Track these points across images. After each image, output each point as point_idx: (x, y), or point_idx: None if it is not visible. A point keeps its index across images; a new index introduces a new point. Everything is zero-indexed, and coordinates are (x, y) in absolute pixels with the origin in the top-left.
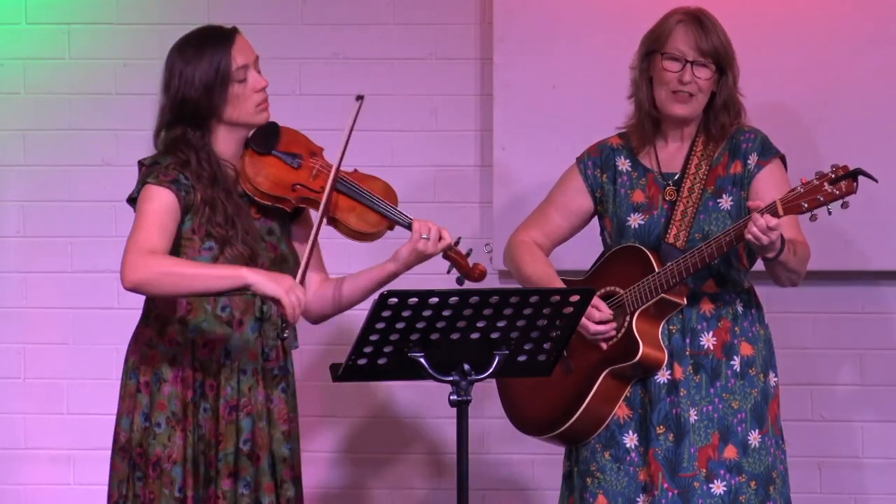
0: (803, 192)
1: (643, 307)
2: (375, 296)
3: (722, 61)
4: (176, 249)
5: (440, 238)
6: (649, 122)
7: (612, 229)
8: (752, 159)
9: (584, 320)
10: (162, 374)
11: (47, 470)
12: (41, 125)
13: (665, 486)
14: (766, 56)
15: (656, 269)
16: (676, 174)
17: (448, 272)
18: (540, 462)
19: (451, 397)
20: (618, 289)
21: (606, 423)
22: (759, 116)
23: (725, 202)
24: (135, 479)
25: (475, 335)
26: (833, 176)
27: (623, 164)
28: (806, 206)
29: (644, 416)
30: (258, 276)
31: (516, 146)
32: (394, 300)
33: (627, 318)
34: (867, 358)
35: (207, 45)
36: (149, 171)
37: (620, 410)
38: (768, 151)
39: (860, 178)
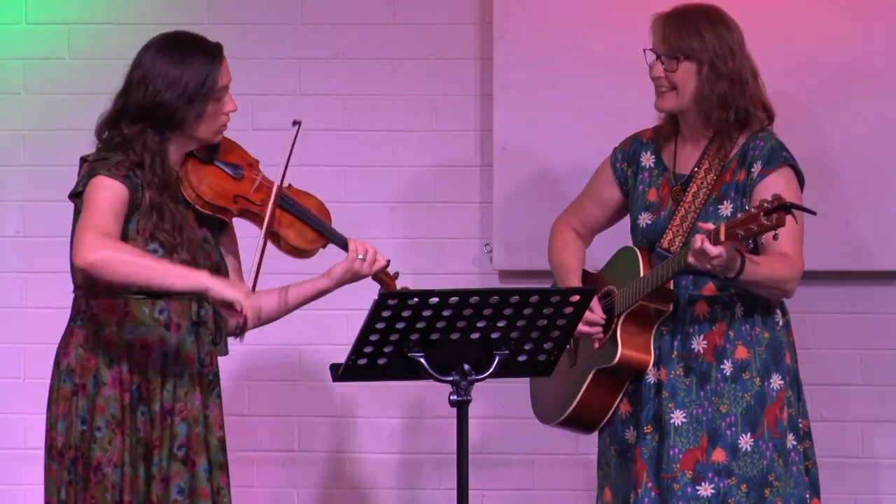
0: (742, 218)
1: (627, 311)
2: (376, 295)
3: (697, 55)
4: None
5: (375, 260)
6: (668, 120)
7: (631, 225)
8: (756, 167)
9: None
10: (101, 377)
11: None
12: (41, 125)
13: (649, 485)
14: (773, 47)
15: (642, 273)
16: (685, 175)
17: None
18: (540, 462)
19: (451, 397)
20: (614, 289)
21: (611, 412)
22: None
23: (725, 209)
24: (75, 484)
25: (475, 335)
26: (768, 207)
27: (647, 159)
28: (742, 234)
29: (636, 414)
30: (217, 282)
31: (516, 146)
32: (394, 300)
33: (616, 321)
34: (866, 357)
35: (199, 55)
36: (98, 164)
37: (623, 406)
38: (775, 160)
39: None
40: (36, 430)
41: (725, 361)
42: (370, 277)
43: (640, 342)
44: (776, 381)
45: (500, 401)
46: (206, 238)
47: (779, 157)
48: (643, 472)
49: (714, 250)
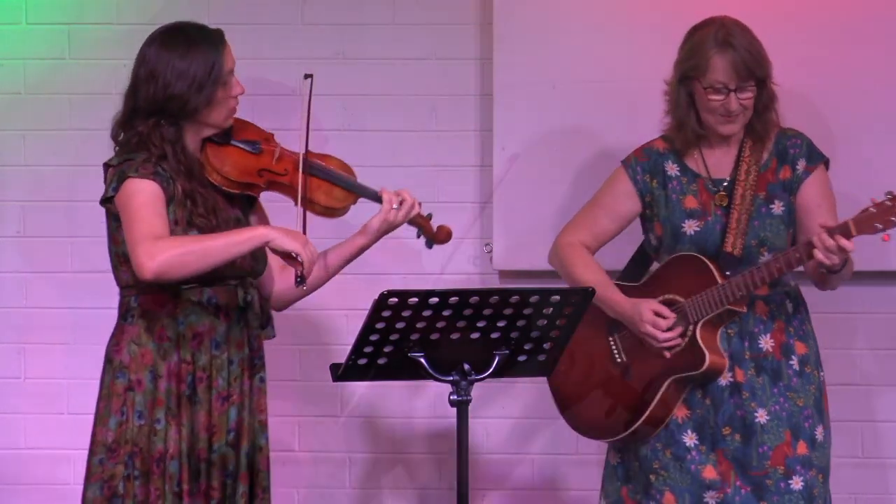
0: (876, 212)
1: (707, 317)
2: (376, 295)
3: (760, 73)
4: None
5: (412, 207)
6: (692, 133)
7: (665, 235)
8: (801, 165)
9: (650, 329)
10: (157, 371)
11: (47, 470)
12: (41, 125)
13: (738, 483)
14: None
15: (718, 280)
16: (726, 180)
17: (417, 237)
18: (540, 462)
19: (451, 397)
20: (678, 297)
21: (665, 424)
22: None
23: (777, 208)
24: (134, 478)
25: (475, 335)
26: None
27: (672, 168)
28: (881, 226)
29: (704, 416)
30: (277, 233)
31: (516, 146)
32: (394, 300)
33: (691, 328)
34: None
35: (202, 43)
36: (125, 167)
37: (679, 411)
38: (815, 157)
39: None
40: (36, 430)
41: (793, 357)
42: (407, 224)
43: (715, 347)
44: (822, 374)
45: (501, 401)
46: (238, 218)
47: (816, 153)
48: (730, 471)
49: (850, 245)
